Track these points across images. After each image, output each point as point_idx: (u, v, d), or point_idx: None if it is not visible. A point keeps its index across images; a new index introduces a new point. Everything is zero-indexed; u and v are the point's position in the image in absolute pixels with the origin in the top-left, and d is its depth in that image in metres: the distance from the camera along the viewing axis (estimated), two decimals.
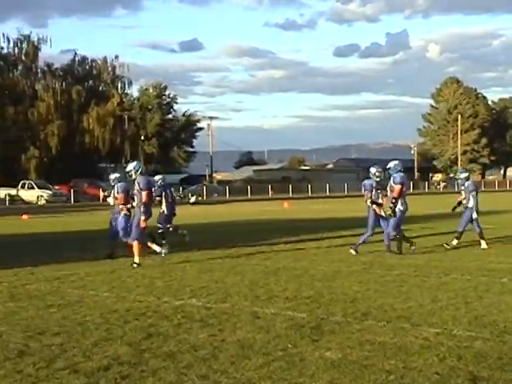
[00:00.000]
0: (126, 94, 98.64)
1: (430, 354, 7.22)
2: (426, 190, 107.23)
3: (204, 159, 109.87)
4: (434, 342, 7.69)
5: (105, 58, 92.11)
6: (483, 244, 17.67)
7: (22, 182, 71.02)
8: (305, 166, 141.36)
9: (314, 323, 8.77)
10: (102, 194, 56.60)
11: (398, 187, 16.21)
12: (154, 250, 15.77)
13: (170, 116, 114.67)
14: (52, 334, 8.48)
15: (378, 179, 16.98)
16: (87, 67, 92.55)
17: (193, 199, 65.61)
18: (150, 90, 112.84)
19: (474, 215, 17.56)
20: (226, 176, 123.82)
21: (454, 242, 17.67)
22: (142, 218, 15.17)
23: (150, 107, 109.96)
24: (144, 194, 15.16)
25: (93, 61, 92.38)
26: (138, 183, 15.29)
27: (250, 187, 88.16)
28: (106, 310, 9.96)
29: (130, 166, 15.79)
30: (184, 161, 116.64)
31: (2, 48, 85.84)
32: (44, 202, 66.15)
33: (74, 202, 67.61)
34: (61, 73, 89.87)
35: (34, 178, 76.77)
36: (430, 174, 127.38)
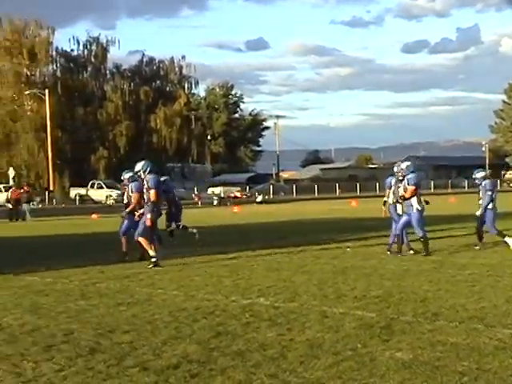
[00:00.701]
0: (193, 93, 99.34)
1: (505, 355, 7.03)
2: (498, 187, 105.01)
3: (270, 158, 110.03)
4: (509, 344, 7.49)
5: (172, 59, 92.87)
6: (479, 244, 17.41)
7: (91, 181, 72.18)
8: (372, 164, 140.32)
9: (383, 323, 8.64)
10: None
11: (411, 188, 16.09)
12: (148, 253, 15.46)
13: (237, 115, 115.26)
14: (122, 332, 8.55)
15: (401, 178, 16.86)
16: (154, 68, 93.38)
17: (259, 198, 65.75)
18: (217, 90, 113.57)
19: (479, 212, 17.26)
20: (292, 175, 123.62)
21: (510, 240, 17.26)
22: (149, 216, 15.25)
23: (216, 107, 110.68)
24: (152, 192, 15.20)
25: (160, 61, 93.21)
26: (147, 181, 15.37)
27: (317, 186, 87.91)
28: (174, 309, 10.00)
29: (138, 166, 15.77)
30: (250, 160, 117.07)
31: (72, 50, 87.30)
32: (113, 201, 67.00)
33: None
34: (129, 74, 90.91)
35: (103, 177, 77.89)
36: (502, 172, 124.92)
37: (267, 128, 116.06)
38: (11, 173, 68.46)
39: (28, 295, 11.61)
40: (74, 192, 72.13)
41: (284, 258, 16.22)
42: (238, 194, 73.97)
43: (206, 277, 13.34)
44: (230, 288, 11.88)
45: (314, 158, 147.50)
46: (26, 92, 77.18)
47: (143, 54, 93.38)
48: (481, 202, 17.43)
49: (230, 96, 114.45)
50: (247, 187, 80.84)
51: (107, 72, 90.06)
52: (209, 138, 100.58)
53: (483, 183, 17.47)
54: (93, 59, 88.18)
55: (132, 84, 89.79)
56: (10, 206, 41.74)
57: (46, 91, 73.67)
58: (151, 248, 15.27)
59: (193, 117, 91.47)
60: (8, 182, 64.81)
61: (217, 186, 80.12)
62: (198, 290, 11.79)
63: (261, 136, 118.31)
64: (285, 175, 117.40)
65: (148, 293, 11.58)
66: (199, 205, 60.28)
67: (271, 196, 77.37)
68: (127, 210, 16.39)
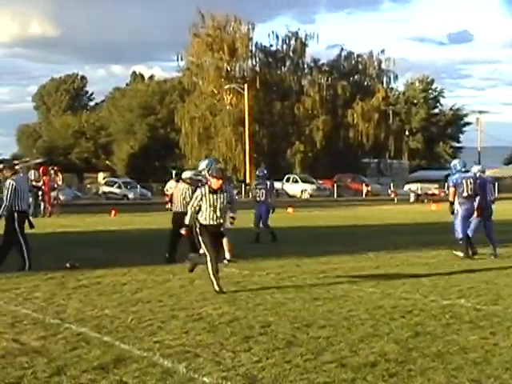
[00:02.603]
0: (392, 88, 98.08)
1: None
2: None
3: (471, 155, 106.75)
4: None
5: (371, 53, 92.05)
6: None
7: (286, 175, 72.97)
8: None
9: None
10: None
11: (451, 190, 16.01)
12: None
13: (436, 110, 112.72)
14: (318, 327, 8.52)
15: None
16: (353, 62, 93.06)
17: None
18: (416, 84, 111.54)
19: None
20: (494, 172, 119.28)
21: None
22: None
23: (415, 101, 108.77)
24: None
25: (358, 56, 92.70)
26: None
27: None
28: (371, 306, 9.86)
29: (203, 165, 15.56)
30: (450, 156, 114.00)
31: (271, 45, 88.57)
32: (308, 195, 67.53)
33: (337, 196, 68.41)
34: (327, 68, 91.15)
35: (299, 172, 78.63)
36: None
37: (468, 124, 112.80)
38: None
39: (226, 286, 11.85)
40: None
41: (486, 259, 15.63)
42: (436, 192, 72.33)
43: (404, 275, 13.09)
44: (428, 287, 11.58)
45: None
46: (226, 86, 79.24)
47: (342, 49, 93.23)
48: None
49: (430, 90, 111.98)
50: (446, 184, 78.84)
51: (305, 67, 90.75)
52: (407, 133, 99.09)
53: None
54: (291, 54, 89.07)
55: (330, 79, 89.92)
56: None
57: (245, 86, 75.30)
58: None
59: (391, 112, 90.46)
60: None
61: (414, 182, 78.65)
62: (395, 288, 11.58)
63: (461, 132, 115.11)
64: (487, 173, 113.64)
65: (344, 289, 11.51)
66: (395, 201, 59.56)
67: None
68: None
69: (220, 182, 11.45)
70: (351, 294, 10.98)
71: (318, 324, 8.69)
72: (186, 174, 16.42)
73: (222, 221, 11.58)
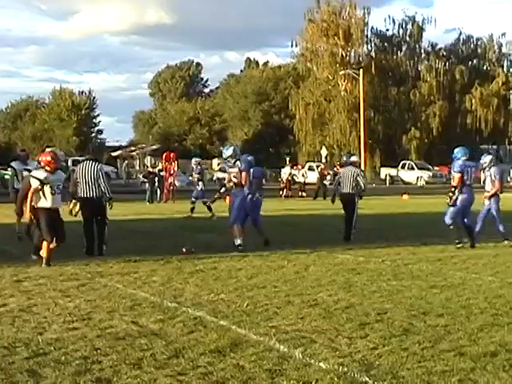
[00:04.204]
0: None
1: None
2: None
3: None
4: None
5: (491, 36, 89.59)
6: None
7: (402, 162, 72.02)
8: None
9: None
10: None
11: (457, 176, 15.25)
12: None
13: None
14: (436, 315, 8.39)
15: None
16: (472, 46, 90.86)
17: None
18: None
19: None
20: None
21: None
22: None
23: None
24: (243, 174, 14.92)
25: (478, 39, 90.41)
26: (239, 164, 15.08)
27: None
28: (490, 295, 9.63)
29: (230, 151, 15.38)
30: None
31: (387, 30, 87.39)
32: (423, 182, 66.43)
33: None
34: (444, 53, 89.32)
35: (414, 158, 77.49)
36: None
37: None
38: (323, 152, 70.39)
39: (341, 272, 11.83)
40: (384, 172, 72.49)
41: None
42: None
43: None
44: None
45: None
46: (341, 72, 78.67)
47: (460, 32, 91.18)
48: None
49: None
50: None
51: (422, 51, 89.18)
52: None
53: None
54: (408, 38, 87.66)
55: (447, 63, 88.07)
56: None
57: (360, 71, 74.57)
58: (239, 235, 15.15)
59: (511, 97, 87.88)
60: (320, 161, 66.72)
61: None
62: None
63: None
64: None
65: (462, 277, 11.28)
66: None
67: None
68: None
69: None
70: (469, 282, 10.75)
71: (436, 312, 8.55)
72: (354, 158, 18.14)
73: None
